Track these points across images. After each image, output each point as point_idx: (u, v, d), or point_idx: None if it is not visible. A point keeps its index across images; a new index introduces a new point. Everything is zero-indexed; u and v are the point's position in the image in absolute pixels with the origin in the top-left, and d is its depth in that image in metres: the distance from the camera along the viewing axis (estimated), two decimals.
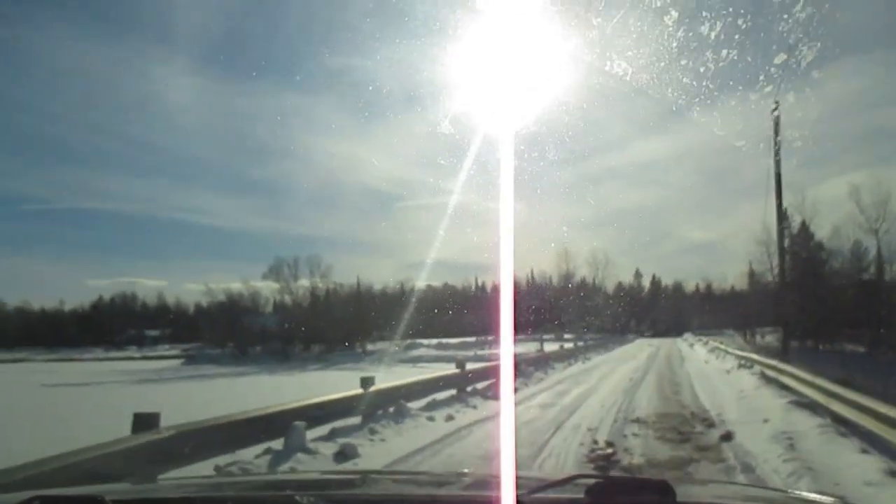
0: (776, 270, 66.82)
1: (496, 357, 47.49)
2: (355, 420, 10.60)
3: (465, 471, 6.04)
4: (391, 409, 11.52)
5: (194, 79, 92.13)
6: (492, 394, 15.70)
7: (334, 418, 10.09)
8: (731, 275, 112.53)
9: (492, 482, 1.58)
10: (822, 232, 59.13)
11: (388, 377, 30.10)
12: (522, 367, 20.13)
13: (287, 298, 79.15)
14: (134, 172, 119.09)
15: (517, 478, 1.59)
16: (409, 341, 69.81)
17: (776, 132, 23.51)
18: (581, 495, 1.44)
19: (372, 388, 11.24)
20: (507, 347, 2.09)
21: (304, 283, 78.51)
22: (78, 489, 2.11)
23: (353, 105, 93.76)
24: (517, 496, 1.45)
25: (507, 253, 2.04)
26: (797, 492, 2.37)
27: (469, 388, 15.98)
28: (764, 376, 16.42)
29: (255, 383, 29.78)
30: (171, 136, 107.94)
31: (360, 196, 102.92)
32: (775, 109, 23.31)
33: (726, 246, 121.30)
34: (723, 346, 29.68)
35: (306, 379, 31.86)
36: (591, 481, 1.47)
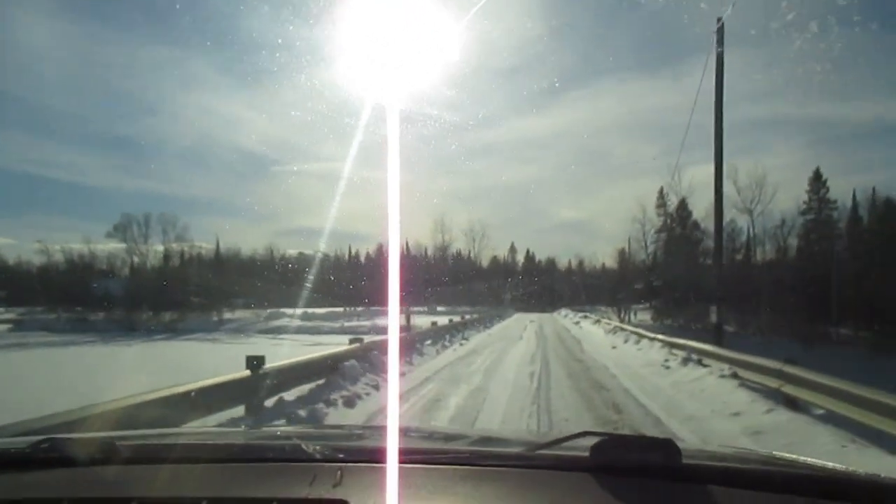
0: (651, 248, 63.81)
1: (363, 330, 40.23)
2: None
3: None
4: None
5: (53, 21, 78.20)
6: (308, 414, 8.41)
7: None
8: (602, 253, 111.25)
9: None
10: (698, 212, 56.21)
11: (235, 349, 22.96)
12: (376, 356, 12.87)
13: (136, 260, 68.45)
14: None
15: (524, 437, 2.17)
16: (271, 310, 62.05)
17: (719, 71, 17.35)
18: (586, 453, 1.37)
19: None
20: (393, 318, 1.89)
21: (159, 247, 68.29)
22: (89, 434, 2.00)
23: (229, 62, 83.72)
24: (522, 452, 1.51)
25: (394, 224, 1.92)
26: (805, 458, 1.70)
27: (270, 402, 8.60)
28: (743, 381, 10.03)
29: (69, 357, 23.99)
30: (24, 82, 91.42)
31: (233, 157, 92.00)
32: (719, 26, 17.21)
33: (598, 224, 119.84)
34: (631, 328, 23.40)
35: (143, 352, 27.32)
36: (596, 438, 1.40)
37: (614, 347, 19.27)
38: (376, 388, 10.98)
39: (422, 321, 28.49)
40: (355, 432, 2.26)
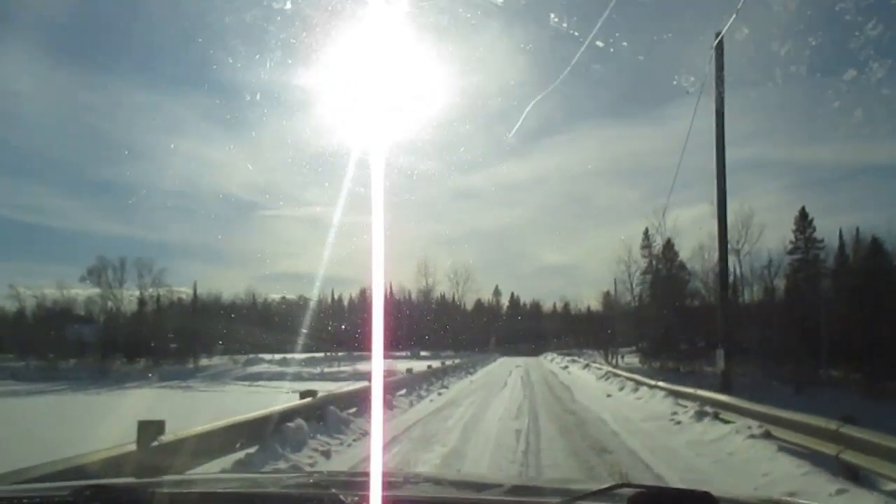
0: (636, 290, 61.96)
1: (343, 376, 37.55)
2: None
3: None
4: None
5: (34, 62, 76.75)
6: None
7: None
8: (587, 296, 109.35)
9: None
10: (684, 253, 54.75)
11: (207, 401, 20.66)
12: (332, 412, 10.59)
13: (110, 305, 65.49)
14: None
15: (557, 485, 1.96)
16: (250, 356, 59.34)
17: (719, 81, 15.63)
18: None
19: None
20: (377, 363, 1.98)
21: (135, 292, 65.38)
22: (126, 480, 2.06)
23: (213, 107, 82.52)
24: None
25: (378, 269, 1.90)
26: None
27: None
28: (781, 444, 7.92)
29: (12, 410, 22.12)
30: (1, 124, 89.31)
31: (216, 202, 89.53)
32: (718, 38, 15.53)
33: (583, 268, 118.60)
34: (626, 374, 21.02)
35: (95, 404, 24.31)
36: (633, 491, 1.35)
37: (609, 396, 17.06)
38: (326, 455, 8.72)
39: (400, 367, 26.26)
40: (388, 480, 1.98)
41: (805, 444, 7.53)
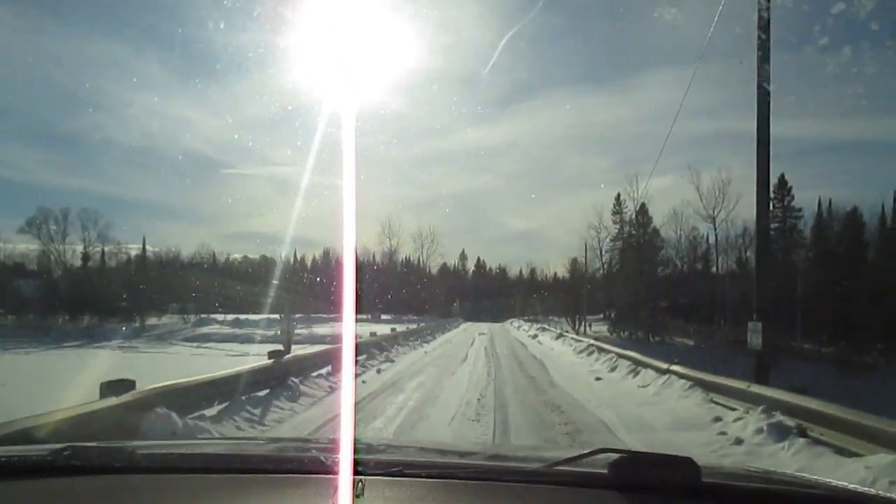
0: (605, 257, 58.12)
1: (298, 339, 32.88)
2: None
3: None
4: None
5: None
6: None
7: None
8: (553, 263, 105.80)
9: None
10: (658, 219, 51.11)
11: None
12: (156, 420, 6.05)
13: (53, 259, 59.68)
14: None
15: (539, 453, 1.91)
16: (201, 316, 54.46)
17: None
18: (604, 470, 1.28)
19: None
20: (348, 325, 1.94)
21: (79, 246, 59.63)
22: (109, 442, 1.97)
23: (177, 61, 75.86)
24: (540, 469, 1.40)
25: (349, 231, 1.82)
26: (826, 479, 1.52)
27: None
28: None
29: None
30: None
31: (177, 158, 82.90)
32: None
33: (550, 234, 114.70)
34: (618, 350, 16.23)
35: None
36: (615, 455, 1.31)
37: (599, 379, 12.66)
38: None
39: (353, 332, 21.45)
40: (368, 445, 1.93)
41: None
